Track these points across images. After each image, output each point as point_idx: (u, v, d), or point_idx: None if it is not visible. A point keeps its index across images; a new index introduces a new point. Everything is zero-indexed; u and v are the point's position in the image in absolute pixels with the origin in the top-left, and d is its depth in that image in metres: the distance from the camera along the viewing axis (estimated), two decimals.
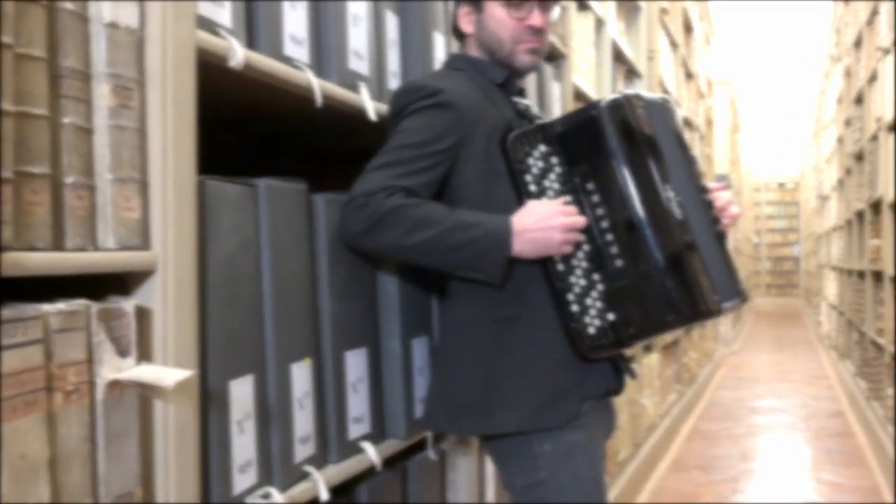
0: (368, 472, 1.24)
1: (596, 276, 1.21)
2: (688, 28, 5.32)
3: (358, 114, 1.24)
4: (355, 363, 1.23)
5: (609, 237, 1.20)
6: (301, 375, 1.10)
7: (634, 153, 1.22)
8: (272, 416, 1.03)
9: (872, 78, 4.19)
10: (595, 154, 1.22)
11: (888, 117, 3.63)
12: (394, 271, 1.30)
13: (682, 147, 1.30)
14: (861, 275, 4.77)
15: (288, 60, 1.09)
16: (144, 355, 0.80)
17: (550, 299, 1.25)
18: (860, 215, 4.81)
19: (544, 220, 1.19)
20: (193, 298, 0.85)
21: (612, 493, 2.81)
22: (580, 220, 1.21)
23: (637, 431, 3.34)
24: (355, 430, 1.22)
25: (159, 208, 0.82)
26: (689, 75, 5.25)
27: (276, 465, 1.03)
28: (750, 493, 3.34)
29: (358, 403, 1.23)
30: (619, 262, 1.20)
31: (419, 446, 1.42)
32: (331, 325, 1.17)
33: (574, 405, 1.23)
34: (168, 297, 0.82)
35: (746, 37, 9.89)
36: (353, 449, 1.21)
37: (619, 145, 1.21)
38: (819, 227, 9.19)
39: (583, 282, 1.21)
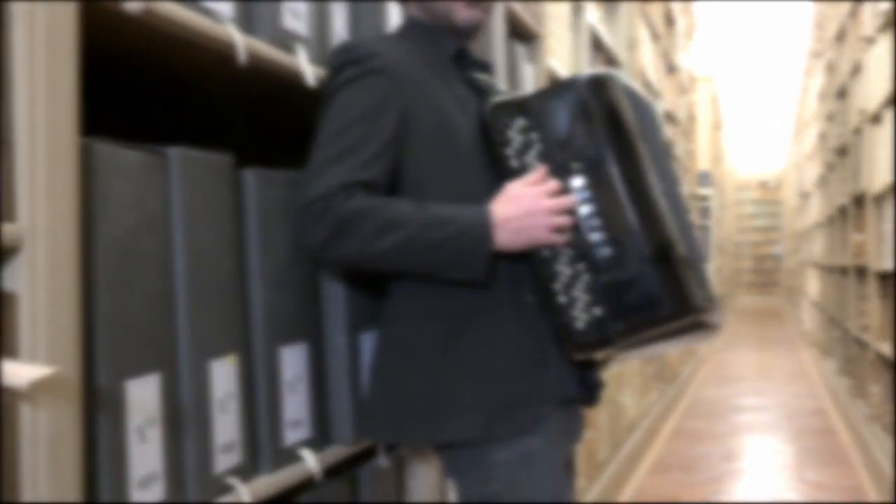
0: (309, 483, 1.10)
1: (581, 266, 1.08)
2: (669, 21, 5.22)
3: (296, 82, 1.10)
4: (293, 360, 1.09)
5: (595, 223, 1.07)
6: (223, 374, 0.96)
7: (620, 134, 1.10)
8: (185, 421, 0.89)
9: (856, 70, 4.11)
10: (577, 133, 1.10)
11: (872, 107, 3.55)
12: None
13: (660, 134, 1.18)
14: (843, 271, 4.70)
15: (206, 12, 0.95)
16: (9, 349, 0.66)
17: (508, 294, 1.12)
18: (843, 211, 4.74)
19: (527, 205, 1.06)
20: (73, 281, 0.71)
21: (591, 495, 2.69)
22: (568, 200, 1.08)
23: (617, 431, 3.23)
24: (292, 435, 1.08)
25: (26, 173, 0.68)
26: (671, 69, 5.15)
27: (189, 478, 0.89)
28: (733, 494, 3.25)
29: (296, 405, 1.09)
30: (606, 252, 1.07)
31: (372, 452, 1.29)
32: (263, 317, 1.04)
33: (533, 412, 1.10)
34: (38, 279, 0.68)
35: (727, 34, 9.85)
36: (290, 457, 1.07)
37: (603, 124, 1.09)
38: (801, 224, 9.17)
39: (568, 271, 1.08)
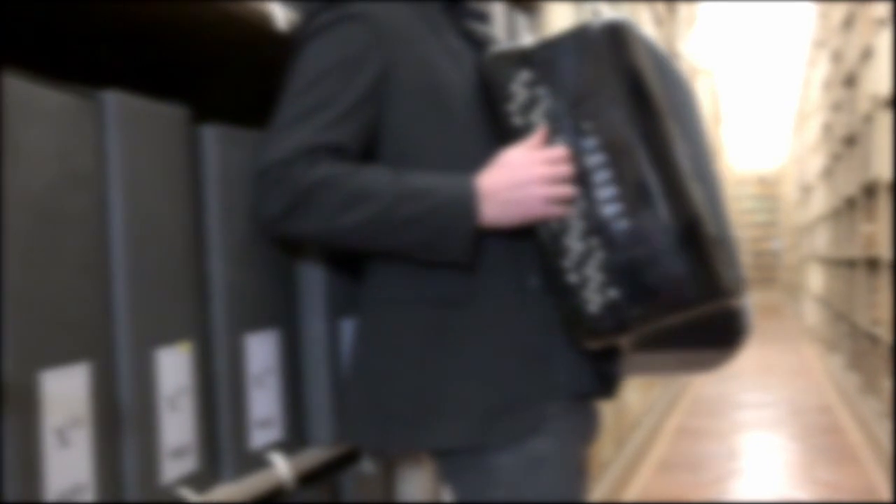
0: (280, 492, 0.95)
1: (594, 241, 0.93)
2: (671, 7, 5.08)
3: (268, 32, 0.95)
4: (261, 350, 0.94)
5: (610, 192, 0.92)
6: (174, 364, 0.81)
7: (640, 89, 0.95)
8: (123, 421, 0.74)
9: (866, 55, 3.97)
10: (590, 88, 0.95)
11: (884, 92, 3.41)
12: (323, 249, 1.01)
13: (685, 94, 1.03)
14: (852, 263, 4.57)
15: None
16: None
17: (506, 277, 0.97)
18: (851, 202, 4.60)
19: (520, 174, 0.91)
20: None
21: (596, 495, 2.55)
22: (566, 168, 0.93)
23: (621, 430, 3.09)
24: (260, 436, 0.93)
25: None
26: (673, 56, 5.02)
27: (130, 487, 0.74)
28: (742, 494, 3.11)
29: (264, 402, 0.94)
30: (623, 225, 0.92)
31: (355, 455, 1.14)
32: (225, 299, 0.89)
33: (538, 410, 0.95)
34: None
35: (726, 29, 9.71)
36: (257, 462, 0.92)
37: (621, 78, 0.94)
38: (801, 219, 9.05)
39: (580, 246, 0.93)
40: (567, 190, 0.94)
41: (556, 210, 0.94)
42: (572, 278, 0.94)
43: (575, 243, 0.95)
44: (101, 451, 0.71)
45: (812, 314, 7.62)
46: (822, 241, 6.36)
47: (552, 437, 0.96)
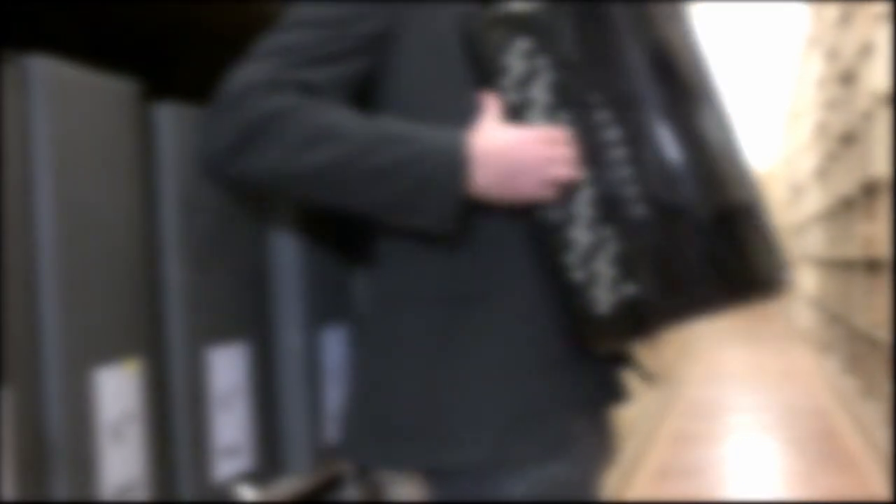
0: None
1: (606, 231, 0.81)
2: None
3: None
4: (227, 365, 0.81)
5: (626, 172, 0.80)
6: (119, 386, 0.67)
7: (659, 54, 0.83)
8: (54, 452, 0.60)
9: (865, 51, 3.89)
10: (604, 55, 0.83)
11: (883, 88, 3.33)
12: (293, 223, 0.88)
13: (702, 59, 0.91)
14: (849, 264, 4.49)
15: None
16: None
17: (530, 269, 0.85)
18: (848, 201, 4.53)
19: (521, 142, 0.79)
20: None
21: None
22: (571, 151, 0.81)
23: (616, 436, 2.98)
24: (225, 466, 0.80)
25: None
26: None
27: None
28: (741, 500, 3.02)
29: (231, 426, 0.81)
30: (641, 209, 0.80)
31: (337, 481, 1.01)
32: (182, 307, 0.76)
33: (559, 426, 0.83)
34: None
35: (709, 28, 9.66)
36: (221, 494, 0.79)
37: (636, 41, 0.83)
38: (791, 219, 9.01)
39: (588, 237, 0.81)
40: (569, 171, 0.81)
41: (548, 193, 0.81)
42: (578, 275, 0.82)
43: (581, 234, 0.83)
44: (26, 484, 0.57)
45: (803, 316, 7.58)
46: (814, 241, 6.31)
47: (573, 460, 0.84)
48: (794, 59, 8.79)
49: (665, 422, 4.24)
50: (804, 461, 3.55)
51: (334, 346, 0.94)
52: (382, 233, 0.87)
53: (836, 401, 4.71)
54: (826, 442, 3.87)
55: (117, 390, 0.67)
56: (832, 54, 5.16)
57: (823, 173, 5.72)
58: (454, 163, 0.77)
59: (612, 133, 0.81)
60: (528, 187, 0.80)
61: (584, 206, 0.81)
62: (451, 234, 0.80)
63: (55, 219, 0.62)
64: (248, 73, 0.77)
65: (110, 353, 0.67)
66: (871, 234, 3.70)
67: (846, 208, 4.57)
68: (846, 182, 4.47)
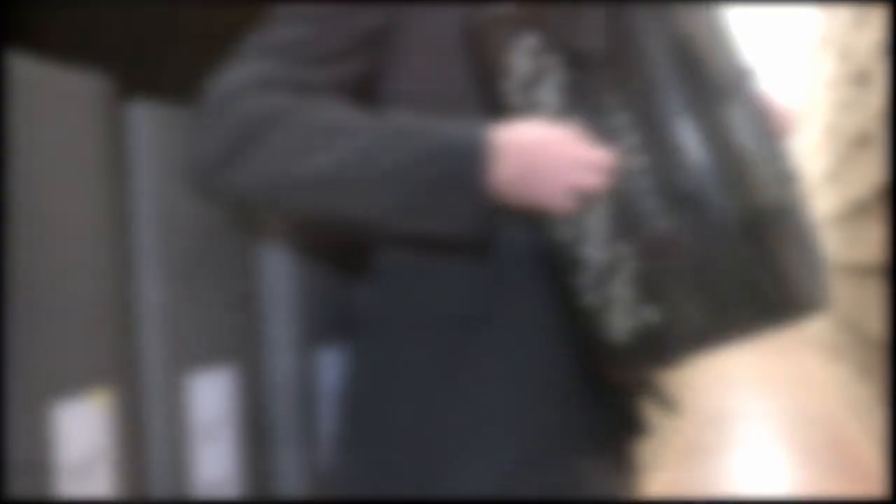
0: None
1: (623, 248, 0.73)
2: None
3: None
4: (213, 392, 0.73)
5: (645, 183, 0.72)
6: (85, 420, 0.59)
7: (683, 49, 0.75)
8: (15, 485, 0.52)
9: (880, 51, 3.80)
10: (622, 48, 0.75)
11: None
12: (286, 235, 0.80)
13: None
14: (863, 270, 4.40)
15: None
16: None
17: (539, 290, 0.77)
18: (861, 206, 4.44)
19: (548, 139, 0.71)
20: None
21: None
22: (609, 158, 0.73)
23: None
24: (210, 496, 0.72)
25: None
26: None
27: None
28: None
29: (216, 457, 0.73)
30: (661, 224, 0.72)
31: None
32: (159, 329, 0.68)
33: (570, 465, 0.75)
34: None
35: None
36: None
37: (666, 42, 0.75)
38: None
39: (602, 255, 0.73)
40: (598, 177, 0.73)
41: (571, 203, 0.73)
42: (591, 298, 0.74)
43: (596, 253, 0.74)
44: None
45: (810, 321, 7.48)
46: (824, 245, 6.20)
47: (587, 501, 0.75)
48: (803, 60, 8.70)
49: (673, 432, 4.16)
50: (814, 471, 3.46)
51: (332, 368, 0.85)
52: (381, 247, 0.79)
53: (848, 409, 4.62)
54: (837, 451, 3.79)
55: (84, 424, 0.59)
56: (845, 55, 5.07)
57: (834, 177, 5.63)
58: (474, 155, 0.68)
59: (631, 139, 0.73)
60: (548, 191, 0.71)
61: (598, 220, 0.73)
62: (475, 239, 0.71)
63: (15, 228, 0.54)
64: (237, 73, 0.69)
65: (73, 383, 0.58)
66: (888, 238, 3.61)
67: (859, 212, 4.48)
68: (859, 185, 4.38)
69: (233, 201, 0.72)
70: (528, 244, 0.75)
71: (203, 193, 0.70)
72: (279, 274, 0.80)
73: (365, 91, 0.75)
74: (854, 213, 4.65)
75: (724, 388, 5.58)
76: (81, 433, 0.59)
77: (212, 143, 0.67)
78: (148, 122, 0.67)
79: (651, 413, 0.87)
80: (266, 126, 0.67)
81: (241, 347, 0.77)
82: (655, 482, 3.33)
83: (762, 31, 9.97)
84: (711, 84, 0.75)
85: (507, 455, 0.73)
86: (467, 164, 0.68)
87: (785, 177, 0.78)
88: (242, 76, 0.68)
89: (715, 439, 4.06)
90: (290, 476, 0.80)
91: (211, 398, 0.72)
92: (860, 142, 4.44)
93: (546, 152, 0.69)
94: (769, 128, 0.79)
